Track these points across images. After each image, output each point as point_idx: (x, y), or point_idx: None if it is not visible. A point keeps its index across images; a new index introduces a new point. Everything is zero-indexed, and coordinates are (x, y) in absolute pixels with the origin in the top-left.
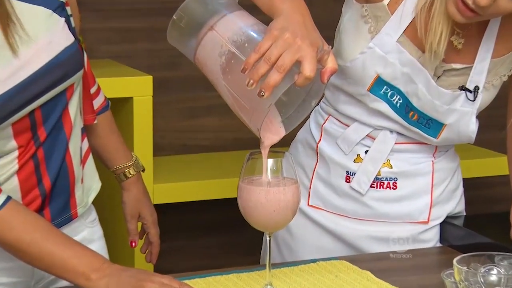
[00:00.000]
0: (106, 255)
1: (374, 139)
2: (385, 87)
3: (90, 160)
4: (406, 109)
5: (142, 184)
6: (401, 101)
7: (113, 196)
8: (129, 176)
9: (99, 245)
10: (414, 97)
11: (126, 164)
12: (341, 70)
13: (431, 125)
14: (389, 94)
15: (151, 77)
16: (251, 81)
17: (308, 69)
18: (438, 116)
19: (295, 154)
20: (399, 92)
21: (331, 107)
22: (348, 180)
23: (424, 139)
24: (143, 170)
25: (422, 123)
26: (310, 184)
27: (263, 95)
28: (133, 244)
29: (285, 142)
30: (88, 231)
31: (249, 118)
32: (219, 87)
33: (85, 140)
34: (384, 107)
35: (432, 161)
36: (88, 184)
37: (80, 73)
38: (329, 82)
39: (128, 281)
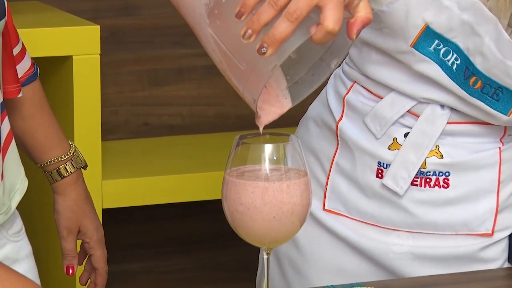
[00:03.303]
0: (37, 280)
1: (418, 116)
2: (436, 41)
3: (13, 149)
4: (465, 73)
5: (83, 186)
6: (458, 62)
7: (46, 199)
8: (65, 174)
9: (26, 266)
10: (478, 56)
11: (60, 158)
12: (374, 17)
13: (501, 96)
14: (441, 52)
15: (98, 27)
16: (249, 31)
17: (331, 19)
18: None
19: (305, 137)
20: (457, 49)
21: (357, 70)
22: (380, 175)
23: (489, 117)
24: (85, 167)
25: (488, 94)
26: (327, 180)
27: (265, 53)
28: (71, 270)
29: (291, 120)
30: (11, 247)
31: (242, 83)
32: (202, 37)
33: (6, 120)
34: (433, 70)
35: (499, 148)
36: (10, 182)
37: (2, 23)
38: None
39: None
